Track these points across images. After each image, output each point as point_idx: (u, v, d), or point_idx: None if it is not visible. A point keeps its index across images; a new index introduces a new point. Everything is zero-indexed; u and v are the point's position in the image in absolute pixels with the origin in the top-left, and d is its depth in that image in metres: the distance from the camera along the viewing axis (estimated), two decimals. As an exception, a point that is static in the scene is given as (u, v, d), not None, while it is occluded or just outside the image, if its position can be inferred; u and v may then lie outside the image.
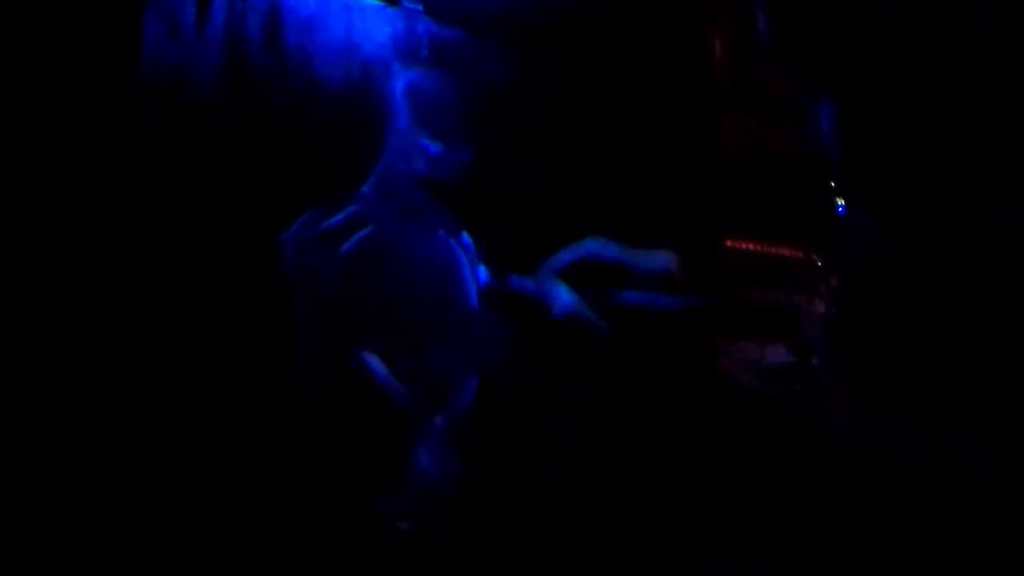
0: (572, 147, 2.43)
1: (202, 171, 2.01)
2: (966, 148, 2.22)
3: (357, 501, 2.04)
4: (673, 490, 2.32)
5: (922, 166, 2.30)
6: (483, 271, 2.21)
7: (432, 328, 2.20)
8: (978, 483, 2.19)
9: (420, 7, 2.29)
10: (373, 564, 2.03)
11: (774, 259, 2.74)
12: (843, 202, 2.48)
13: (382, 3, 2.26)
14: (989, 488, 2.20)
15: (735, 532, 2.24)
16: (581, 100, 2.47)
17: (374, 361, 2.10)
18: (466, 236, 2.28)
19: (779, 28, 2.41)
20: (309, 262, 2.10)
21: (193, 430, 1.94)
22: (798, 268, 2.75)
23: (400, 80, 2.22)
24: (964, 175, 2.24)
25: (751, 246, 2.72)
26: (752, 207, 2.67)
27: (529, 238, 2.32)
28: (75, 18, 1.90)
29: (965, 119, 2.22)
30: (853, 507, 2.22)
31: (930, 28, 2.18)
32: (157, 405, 1.92)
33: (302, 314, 2.07)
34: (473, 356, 2.24)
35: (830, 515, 2.22)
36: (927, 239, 2.33)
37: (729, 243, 2.69)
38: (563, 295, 2.18)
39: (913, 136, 2.30)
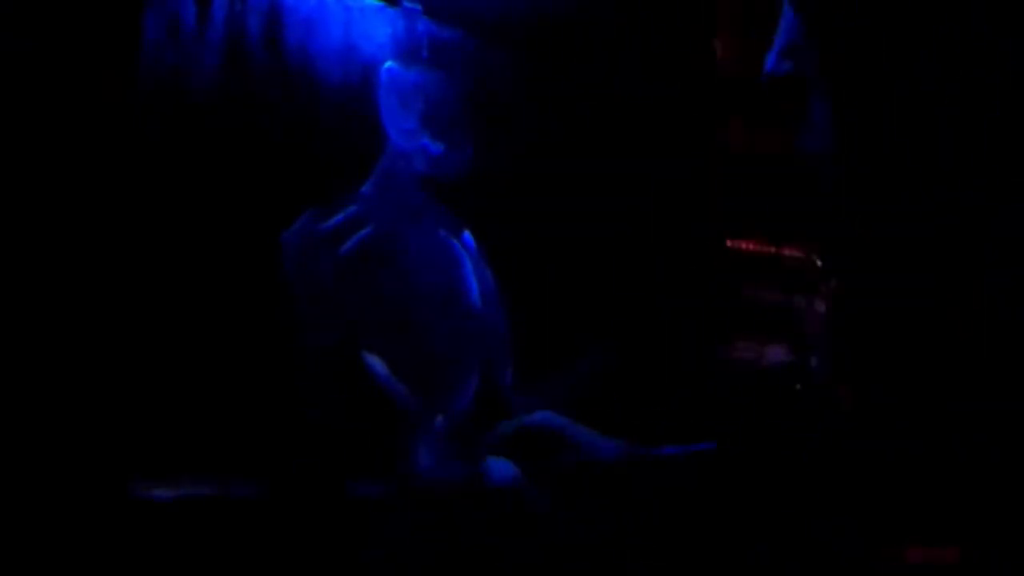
0: (572, 147, 2.43)
1: (202, 171, 2.01)
2: (966, 148, 2.21)
3: (357, 500, 2.04)
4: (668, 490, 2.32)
5: (922, 166, 2.30)
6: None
7: (433, 328, 2.20)
8: (977, 483, 2.19)
9: (420, 7, 2.30)
10: (372, 563, 2.03)
11: (774, 259, 2.75)
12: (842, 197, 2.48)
13: (382, 3, 2.26)
14: (987, 488, 2.20)
15: (733, 533, 2.24)
16: (581, 100, 2.47)
17: (375, 361, 2.09)
18: (468, 235, 2.29)
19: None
20: (309, 262, 2.10)
21: (191, 430, 1.94)
22: (798, 268, 2.76)
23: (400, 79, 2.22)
24: (964, 175, 2.24)
25: (751, 246, 2.72)
26: (752, 207, 2.67)
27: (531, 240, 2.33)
28: (75, 18, 1.90)
29: (965, 119, 2.22)
30: (853, 507, 2.22)
31: (930, 27, 2.18)
32: (156, 404, 1.92)
33: (302, 314, 2.07)
34: (474, 356, 2.24)
35: (830, 515, 2.22)
36: (926, 239, 2.33)
37: (729, 243, 2.70)
38: (500, 468, 2.10)
39: (912, 135, 2.30)
